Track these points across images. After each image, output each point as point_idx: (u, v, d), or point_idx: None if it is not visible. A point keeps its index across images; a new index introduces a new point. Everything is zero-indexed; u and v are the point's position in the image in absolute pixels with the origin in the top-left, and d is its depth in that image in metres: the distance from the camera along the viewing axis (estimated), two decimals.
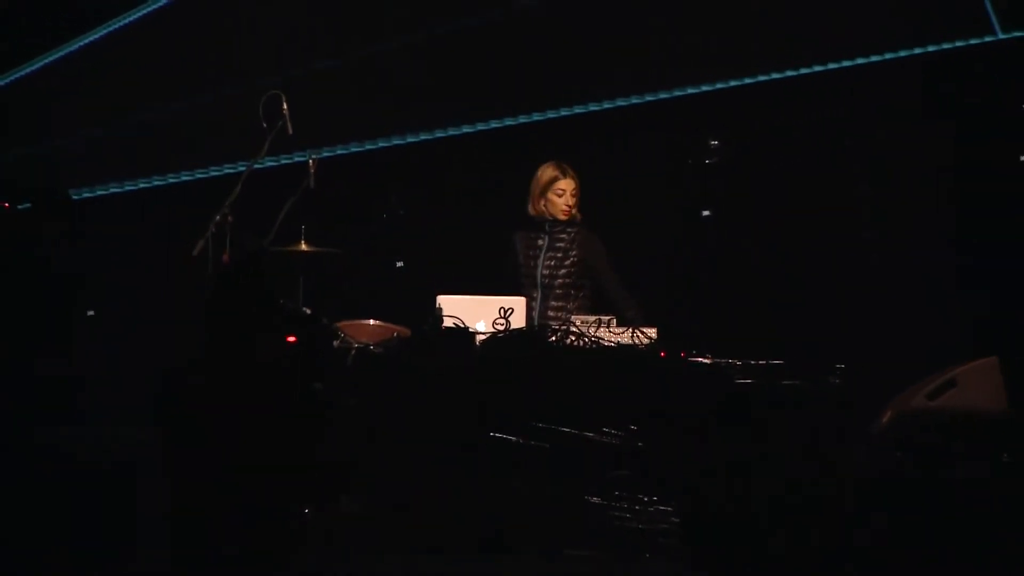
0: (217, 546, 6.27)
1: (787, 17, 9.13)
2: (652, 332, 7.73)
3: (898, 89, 9.15)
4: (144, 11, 9.43)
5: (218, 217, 7.73)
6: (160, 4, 9.42)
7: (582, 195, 8.41)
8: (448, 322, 7.76)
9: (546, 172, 8.32)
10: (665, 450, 7.19)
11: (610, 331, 7.73)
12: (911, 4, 9.12)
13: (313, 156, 8.02)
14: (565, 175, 8.34)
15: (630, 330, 7.72)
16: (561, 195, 8.32)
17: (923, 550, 6.54)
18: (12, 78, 9.45)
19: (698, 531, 6.98)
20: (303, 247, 7.90)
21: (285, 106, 7.95)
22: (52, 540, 6.75)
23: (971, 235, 8.84)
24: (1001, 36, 9.03)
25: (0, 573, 6.44)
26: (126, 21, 9.41)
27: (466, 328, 7.72)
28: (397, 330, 7.92)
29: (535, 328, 7.97)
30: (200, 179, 9.32)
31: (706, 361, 7.46)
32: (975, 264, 8.74)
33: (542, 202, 8.33)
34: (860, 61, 9.22)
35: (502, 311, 7.90)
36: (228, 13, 9.42)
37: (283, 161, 8.34)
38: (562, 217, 8.35)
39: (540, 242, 8.36)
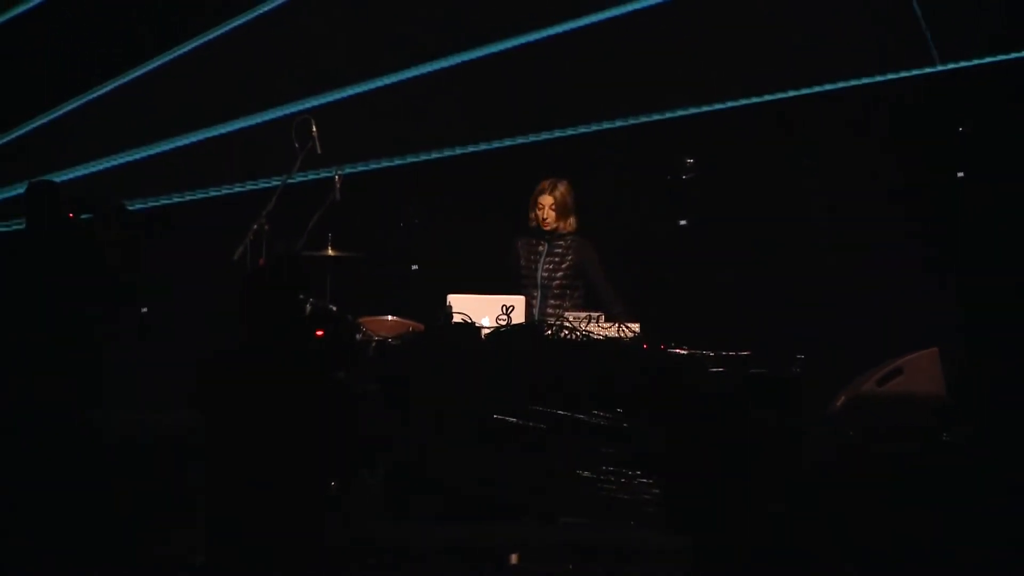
0: (252, 516, 6.26)
1: (750, 53, 9.13)
2: (636, 327, 7.72)
3: (844, 114, 9.15)
4: (190, 46, 9.42)
5: (256, 225, 7.73)
6: (205, 39, 9.40)
7: (579, 207, 8.37)
8: (457, 318, 7.76)
9: (537, 187, 8.33)
10: (647, 430, 7.20)
11: (599, 326, 7.72)
12: (859, 38, 9.11)
13: (338, 172, 8.02)
14: (545, 192, 8.27)
15: (617, 325, 7.71)
16: (540, 209, 8.32)
17: (874, 519, 6.56)
18: (78, 103, 9.45)
19: (677, 501, 6.99)
20: (330, 252, 7.88)
21: (314, 129, 7.96)
22: (114, 506, 6.78)
23: (912, 243, 8.83)
24: (939, 67, 9.01)
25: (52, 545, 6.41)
26: (176, 55, 9.40)
27: (473, 323, 7.72)
28: (412, 325, 7.90)
29: (534, 323, 7.96)
30: (239, 192, 9.30)
31: (682, 352, 7.44)
32: (917, 267, 8.72)
33: (532, 213, 8.33)
34: (806, 91, 9.21)
35: (504, 308, 7.89)
36: (263, 49, 9.41)
37: (312, 177, 8.32)
38: (544, 228, 8.31)
39: (540, 248, 8.31)
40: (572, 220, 8.36)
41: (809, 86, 9.21)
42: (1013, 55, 9.06)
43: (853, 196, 9.11)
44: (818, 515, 6.58)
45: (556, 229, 8.33)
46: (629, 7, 9.41)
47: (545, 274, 8.28)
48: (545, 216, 8.29)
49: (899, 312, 8.46)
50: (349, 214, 8.05)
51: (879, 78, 9.15)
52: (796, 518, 6.57)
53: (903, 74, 9.12)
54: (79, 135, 9.50)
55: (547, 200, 8.28)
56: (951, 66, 9.01)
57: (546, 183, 8.31)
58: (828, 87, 9.19)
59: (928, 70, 8.98)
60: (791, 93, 9.21)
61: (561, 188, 8.30)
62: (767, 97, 9.26)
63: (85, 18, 9.41)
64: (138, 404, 7.57)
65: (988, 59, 9.07)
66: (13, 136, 9.44)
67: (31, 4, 9.39)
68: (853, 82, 9.17)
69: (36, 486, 6.88)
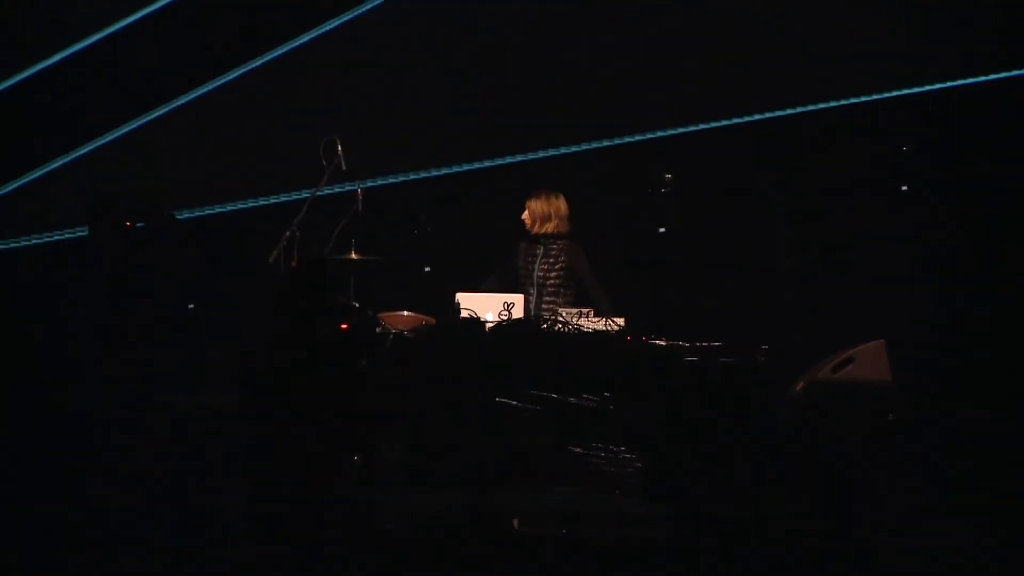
0: (285, 481, 6.26)
1: (720, 83, 9.14)
2: (621, 321, 7.71)
3: (803, 134, 9.15)
4: (235, 75, 9.42)
5: (288, 232, 7.67)
6: (249, 68, 9.40)
7: (572, 215, 8.33)
8: (464, 313, 7.75)
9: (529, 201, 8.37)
10: (630, 411, 7.19)
11: (589, 320, 7.70)
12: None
13: (360, 186, 8.03)
14: (528, 199, 8.30)
15: (604, 320, 7.71)
16: (524, 216, 8.34)
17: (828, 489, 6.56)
18: (135, 126, 9.45)
19: (656, 473, 6.97)
20: (353, 256, 7.81)
21: (340, 148, 7.96)
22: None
23: (861, 250, 8.82)
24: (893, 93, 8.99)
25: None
26: (218, 83, 9.40)
27: (478, 318, 7.71)
28: (425, 319, 7.85)
29: (531, 318, 7.97)
30: (274, 203, 9.29)
31: (662, 343, 7.42)
32: (867, 268, 8.71)
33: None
34: (768, 115, 9.21)
35: (506, 305, 7.87)
36: (292, 83, 9.41)
37: (337, 190, 8.31)
38: (530, 229, 8.30)
39: (537, 251, 8.28)
40: (559, 226, 8.31)
41: (772, 110, 9.20)
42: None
43: (809, 211, 9.09)
44: (777, 484, 6.58)
45: (542, 232, 8.33)
46: (615, 38, 9.40)
47: (540, 274, 8.26)
48: (526, 220, 8.31)
49: (850, 309, 8.42)
50: (370, 223, 8.04)
51: (833, 103, 9.15)
52: (759, 487, 6.58)
53: (854, 100, 9.11)
54: (135, 153, 9.49)
55: (529, 207, 8.31)
56: (903, 92, 9.01)
57: (539, 197, 8.34)
58: (789, 111, 9.17)
59: (885, 95, 8.97)
60: (756, 116, 9.20)
61: (535, 200, 8.29)
62: (735, 120, 9.25)
63: (136, 56, 9.39)
64: (189, 387, 7.59)
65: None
66: (79, 154, 9.44)
67: (91, 40, 9.37)
68: (811, 107, 9.15)
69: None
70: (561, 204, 8.35)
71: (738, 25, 9.16)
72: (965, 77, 9.01)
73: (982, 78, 9.02)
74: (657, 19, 9.29)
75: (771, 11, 9.13)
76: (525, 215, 8.35)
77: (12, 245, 9.43)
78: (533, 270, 8.29)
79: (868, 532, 6.33)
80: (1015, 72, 8.96)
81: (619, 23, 9.38)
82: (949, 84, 9.02)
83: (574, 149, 9.38)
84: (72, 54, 9.37)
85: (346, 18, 9.40)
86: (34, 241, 9.42)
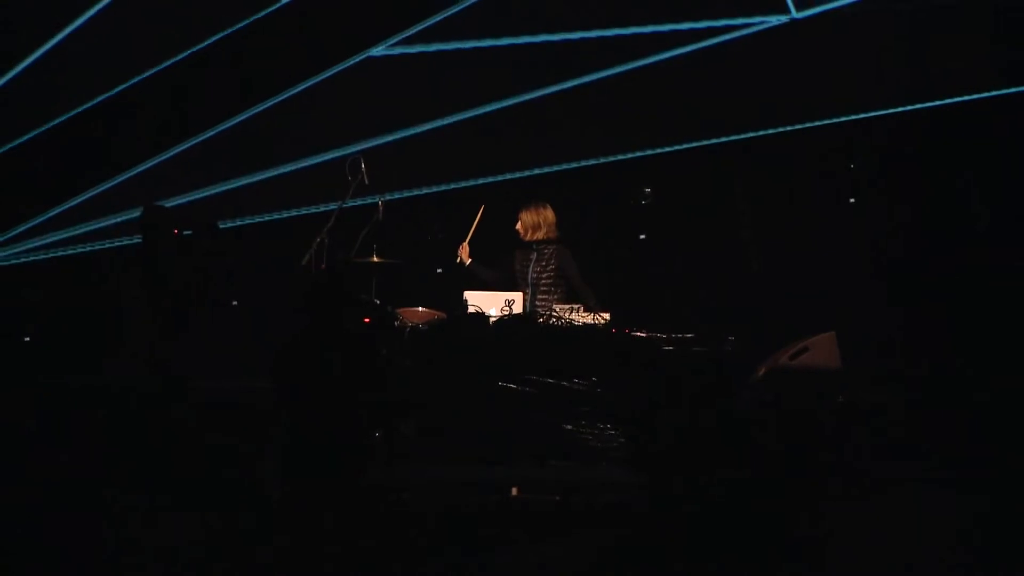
0: (315, 456, 6.26)
1: (696, 104, 9.15)
2: (606, 316, 7.74)
3: (763, 154, 9.18)
4: (267, 104, 9.42)
5: (319, 239, 7.66)
6: (278, 99, 9.39)
7: (565, 223, 8.33)
8: (471, 309, 7.77)
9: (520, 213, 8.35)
10: (614, 393, 7.21)
11: (578, 315, 7.72)
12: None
13: (381, 199, 8.02)
14: (520, 211, 8.29)
15: (592, 314, 7.74)
16: (517, 224, 8.32)
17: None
18: (182, 149, 9.45)
19: (638, 447, 6.99)
20: (375, 259, 7.83)
21: (363, 166, 7.96)
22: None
23: (816, 251, 8.82)
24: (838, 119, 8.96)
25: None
26: (252, 112, 9.40)
27: (483, 313, 7.74)
28: (437, 314, 7.88)
29: (528, 313, 7.98)
30: (305, 214, 9.29)
31: (642, 334, 7.45)
32: (819, 270, 8.71)
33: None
34: (735, 137, 9.22)
35: (507, 302, 7.90)
36: (318, 110, 9.40)
37: (361, 203, 8.32)
38: (523, 238, 8.28)
39: (531, 256, 8.29)
40: (548, 232, 8.29)
41: (740, 133, 9.20)
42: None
43: (772, 221, 9.08)
44: (744, 455, 6.57)
45: (534, 239, 8.30)
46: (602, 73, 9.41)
47: (534, 276, 8.24)
48: (519, 230, 8.30)
49: (805, 305, 8.42)
50: (390, 230, 8.05)
51: (792, 127, 9.15)
52: (727, 459, 6.57)
53: (809, 124, 9.11)
54: (183, 172, 9.48)
55: (519, 219, 8.30)
56: (848, 118, 9.02)
57: (528, 209, 8.31)
58: (754, 134, 9.17)
59: (834, 120, 8.99)
60: (723, 139, 9.21)
61: (526, 212, 8.28)
62: (708, 141, 9.26)
63: (183, 92, 9.37)
64: (230, 374, 7.59)
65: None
66: (136, 172, 9.45)
67: (146, 74, 9.37)
68: (772, 131, 9.15)
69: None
70: (548, 214, 8.35)
71: (710, 61, 9.17)
72: (899, 106, 9.03)
73: (896, 109, 9.04)
74: (638, 55, 9.31)
75: (739, 49, 9.14)
76: (518, 225, 8.35)
77: (80, 250, 9.45)
78: (528, 272, 8.28)
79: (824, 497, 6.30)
80: (928, 104, 8.97)
81: (607, 60, 9.39)
82: (886, 112, 9.04)
83: (566, 167, 9.38)
84: (130, 86, 9.38)
85: (359, 57, 9.40)
86: (98, 247, 9.43)
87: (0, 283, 9.27)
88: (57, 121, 9.30)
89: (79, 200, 9.38)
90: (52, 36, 9.26)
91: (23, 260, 9.40)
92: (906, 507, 6.06)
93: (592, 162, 9.36)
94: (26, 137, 9.28)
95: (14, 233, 9.38)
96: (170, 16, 9.21)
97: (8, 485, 6.18)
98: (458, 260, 8.23)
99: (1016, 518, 5.67)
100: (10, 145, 9.27)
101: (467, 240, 8.23)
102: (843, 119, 9.01)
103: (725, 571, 4.94)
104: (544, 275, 8.25)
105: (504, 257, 8.36)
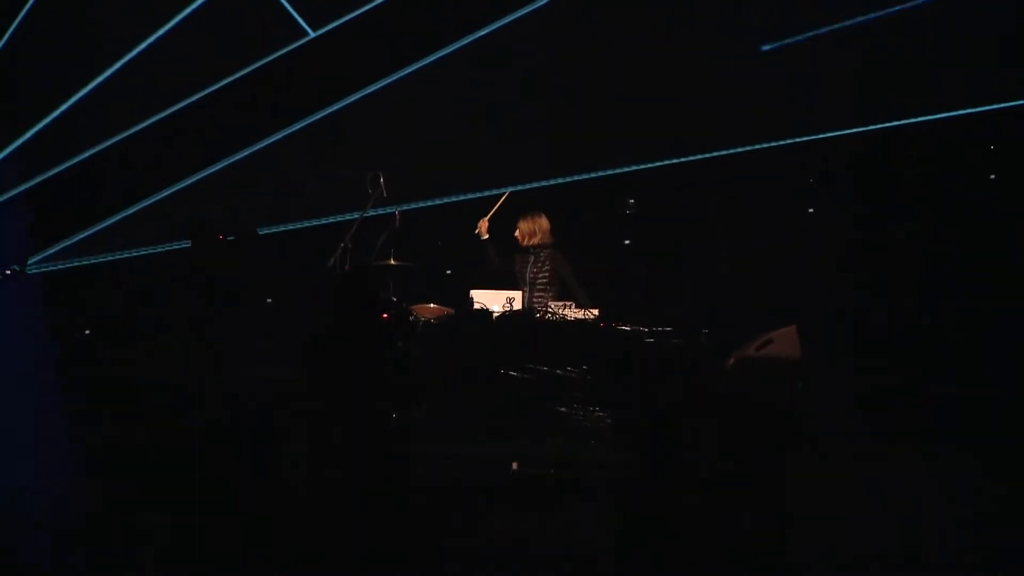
0: (340, 435, 6.27)
1: (673, 124, 9.14)
2: (595, 311, 7.79)
3: (734, 170, 9.18)
4: (297, 127, 9.42)
5: (343, 244, 7.72)
6: (308, 121, 9.39)
7: (560, 230, 8.35)
8: (476, 305, 7.81)
9: (519, 221, 8.36)
10: (603, 380, 7.25)
11: (571, 311, 7.77)
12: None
13: (397, 210, 8.07)
14: (518, 221, 8.29)
15: (583, 311, 7.78)
16: (516, 231, 8.33)
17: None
18: (224, 165, 9.44)
19: (623, 428, 6.97)
20: (392, 262, 7.88)
21: (382, 181, 7.99)
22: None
23: (780, 255, 8.83)
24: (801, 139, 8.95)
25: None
26: (283, 134, 9.39)
27: (487, 309, 7.78)
28: (446, 310, 7.91)
29: (527, 310, 8.02)
30: (331, 222, 9.29)
31: (626, 328, 7.49)
32: (783, 271, 8.72)
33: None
34: (708, 155, 9.22)
35: (508, 299, 7.94)
36: (342, 132, 9.39)
37: (380, 212, 8.34)
38: (521, 244, 8.29)
39: (528, 259, 8.33)
40: (543, 238, 8.30)
41: (714, 151, 9.19)
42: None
43: (741, 228, 9.08)
44: (717, 435, 6.57)
45: (530, 244, 8.30)
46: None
47: (531, 276, 8.27)
48: (518, 236, 8.34)
49: (770, 302, 8.39)
50: (405, 237, 8.08)
51: (758, 147, 9.13)
52: (702, 439, 6.57)
53: (774, 143, 9.11)
54: (226, 185, 9.46)
55: (518, 227, 8.34)
56: (809, 138, 9.02)
57: (527, 218, 8.35)
58: (726, 152, 9.16)
59: (797, 140, 8.99)
60: (699, 156, 9.19)
61: (523, 221, 8.30)
62: (685, 159, 9.25)
63: (221, 115, 9.37)
64: (266, 362, 7.59)
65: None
66: (184, 184, 9.46)
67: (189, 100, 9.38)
68: (741, 149, 9.14)
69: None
70: (543, 222, 8.38)
71: (688, 82, 9.17)
72: (850, 128, 9.03)
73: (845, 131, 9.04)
74: (620, 81, 9.31)
75: (716, 73, 9.15)
76: (517, 232, 8.39)
77: (134, 254, 9.46)
78: (526, 273, 8.31)
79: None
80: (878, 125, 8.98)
81: (595, 85, 9.39)
82: (838, 133, 9.05)
83: (561, 181, 9.38)
84: (177, 111, 9.39)
85: (376, 86, 9.39)
86: (151, 251, 9.45)
87: (64, 284, 9.28)
88: (123, 136, 9.31)
89: (137, 208, 9.39)
90: (108, 66, 9.29)
91: (83, 263, 9.42)
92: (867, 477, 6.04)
93: (584, 176, 9.36)
94: (94, 150, 9.29)
95: (79, 238, 9.40)
96: (208, 51, 9.22)
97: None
98: (476, 231, 8.23)
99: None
100: (80, 157, 9.28)
101: (488, 216, 8.23)
102: (801, 139, 9.02)
103: (700, 531, 4.95)
104: (540, 276, 8.27)
105: (506, 258, 8.40)
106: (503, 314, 7.73)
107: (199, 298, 7.81)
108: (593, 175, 9.26)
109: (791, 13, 8.95)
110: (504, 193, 8.23)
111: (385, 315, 7.28)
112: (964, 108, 8.76)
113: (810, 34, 8.93)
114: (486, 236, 8.17)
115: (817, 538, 5.02)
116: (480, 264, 8.32)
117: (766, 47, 9.12)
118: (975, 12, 8.54)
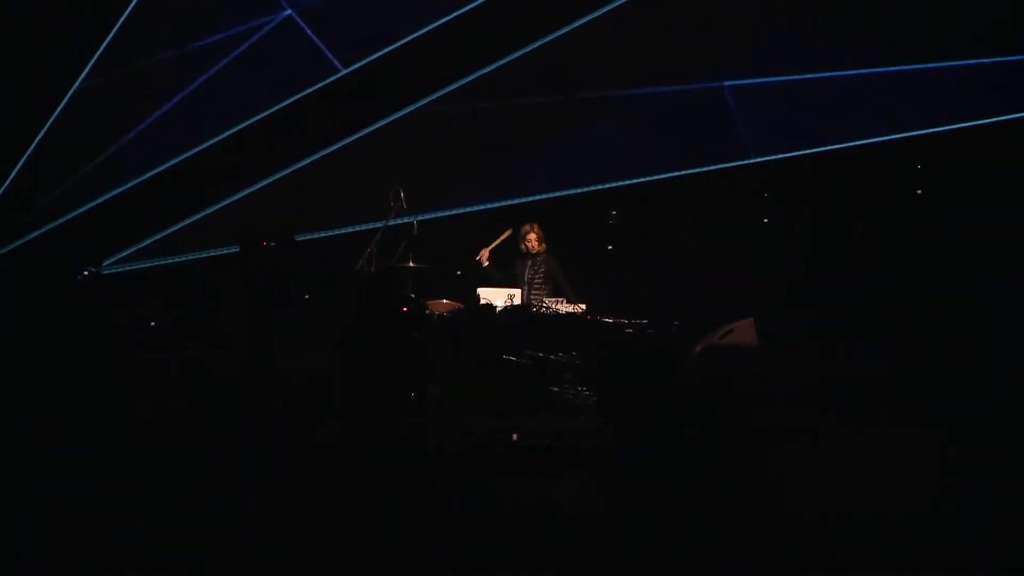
0: (369, 412, 6.29)
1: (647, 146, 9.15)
2: (583, 306, 7.80)
3: (701, 188, 9.18)
4: (328, 151, 9.41)
5: (369, 248, 7.66)
6: (339, 145, 9.38)
7: (548, 236, 8.30)
8: (482, 301, 7.82)
9: (523, 229, 8.34)
10: (589, 365, 7.26)
11: (562, 306, 7.79)
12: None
13: (416, 219, 8.06)
14: (529, 232, 8.21)
15: (573, 306, 7.80)
16: (528, 241, 8.22)
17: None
18: (266, 183, 9.45)
19: (606, 404, 6.99)
20: (411, 264, 7.82)
21: (402, 193, 8.01)
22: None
23: (740, 257, 8.82)
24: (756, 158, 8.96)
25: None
26: (315, 158, 9.37)
27: (492, 304, 7.81)
28: (457, 305, 7.88)
29: (525, 305, 8.03)
30: (359, 230, 9.27)
31: (609, 320, 7.51)
32: (743, 271, 8.70)
33: (521, 244, 8.37)
34: (685, 172, 9.21)
35: (510, 296, 7.96)
36: (369, 152, 9.39)
37: (399, 221, 8.31)
38: (530, 251, 8.25)
39: (527, 263, 8.30)
40: (544, 245, 8.37)
41: (683, 170, 9.19)
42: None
43: (708, 236, 9.07)
44: (689, 414, 6.56)
45: (536, 251, 8.43)
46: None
47: (529, 277, 8.25)
48: (531, 245, 8.30)
49: (732, 298, 8.36)
50: (422, 242, 8.08)
51: (721, 166, 9.16)
52: (674, 416, 6.57)
53: (734, 164, 9.12)
54: (269, 198, 9.45)
55: (532, 236, 8.30)
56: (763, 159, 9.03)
57: (528, 227, 8.35)
58: (702, 169, 9.17)
59: (755, 160, 8.99)
60: (673, 174, 9.20)
61: (532, 233, 8.29)
62: (661, 176, 9.26)
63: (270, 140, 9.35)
64: (304, 351, 7.60)
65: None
66: (234, 199, 9.45)
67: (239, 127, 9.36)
68: (708, 168, 9.16)
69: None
70: (538, 231, 8.41)
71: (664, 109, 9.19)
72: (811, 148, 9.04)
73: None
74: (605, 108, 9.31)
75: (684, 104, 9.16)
76: (528, 241, 8.28)
77: (188, 257, 9.46)
78: (524, 275, 8.36)
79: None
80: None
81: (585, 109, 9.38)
82: (796, 154, 9.07)
83: (556, 194, 9.39)
84: (232, 134, 9.39)
85: (397, 115, 9.38)
86: (203, 255, 9.45)
87: (133, 283, 9.29)
88: (192, 152, 9.30)
89: (196, 218, 9.40)
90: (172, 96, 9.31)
91: (149, 264, 9.43)
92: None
93: (575, 191, 9.38)
94: (167, 166, 9.29)
95: (146, 243, 9.41)
96: (249, 87, 9.23)
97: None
98: (478, 258, 8.24)
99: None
100: (153, 173, 9.27)
101: (490, 248, 8.24)
102: (763, 159, 9.04)
103: (673, 492, 4.95)
104: (536, 276, 8.27)
105: (505, 271, 8.40)
106: (505, 308, 7.74)
107: (246, 296, 7.83)
108: (582, 190, 9.28)
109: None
110: (507, 231, 8.22)
111: (404, 309, 7.32)
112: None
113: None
114: (487, 263, 8.16)
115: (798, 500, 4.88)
116: (484, 270, 8.34)
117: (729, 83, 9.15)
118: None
